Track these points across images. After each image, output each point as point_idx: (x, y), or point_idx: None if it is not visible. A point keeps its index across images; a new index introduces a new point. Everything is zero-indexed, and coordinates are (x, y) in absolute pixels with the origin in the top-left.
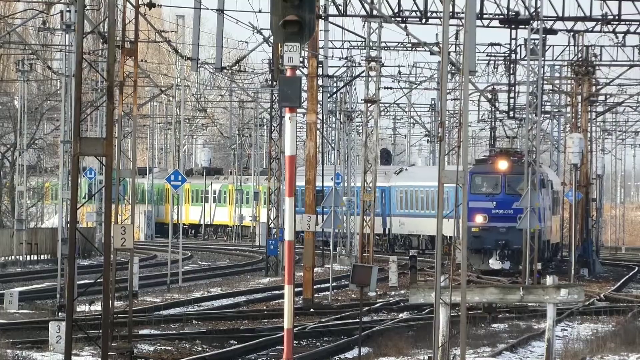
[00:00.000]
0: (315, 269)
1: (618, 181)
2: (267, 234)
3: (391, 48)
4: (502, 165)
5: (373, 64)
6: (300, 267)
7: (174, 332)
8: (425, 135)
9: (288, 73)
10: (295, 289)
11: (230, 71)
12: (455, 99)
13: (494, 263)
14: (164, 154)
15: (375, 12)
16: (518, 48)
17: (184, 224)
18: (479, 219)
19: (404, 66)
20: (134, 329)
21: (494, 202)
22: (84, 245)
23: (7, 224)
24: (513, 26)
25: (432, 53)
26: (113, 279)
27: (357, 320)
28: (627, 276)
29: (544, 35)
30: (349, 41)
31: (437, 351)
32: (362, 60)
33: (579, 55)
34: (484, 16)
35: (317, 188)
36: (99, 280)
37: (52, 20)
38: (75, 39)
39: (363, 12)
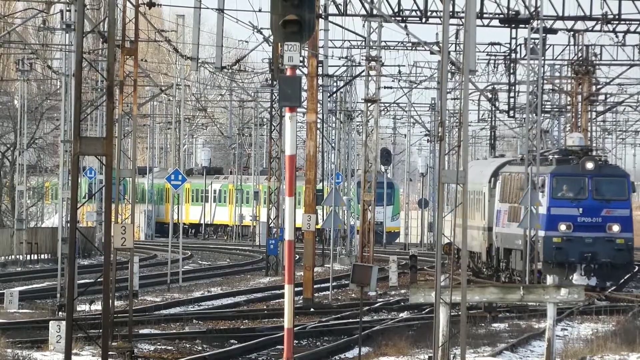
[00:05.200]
0: (316, 269)
1: None
2: (267, 234)
3: (391, 47)
4: (589, 165)
5: (373, 63)
6: (301, 267)
7: (174, 331)
8: (426, 135)
9: (288, 72)
10: (296, 289)
11: (230, 71)
12: (456, 99)
13: (579, 279)
14: (164, 154)
15: (375, 12)
16: (518, 47)
17: (184, 224)
18: (562, 227)
19: (404, 65)
20: (134, 329)
21: (580, 209)
22: (84, 245)
23: (7, 224)
24: (513, 25)
25: (432, 52)
26: (113, 278)
27: (357, 319)
28: (627, 275)
29: (544, 35)
30: (349, 40)
31: (437, 351)
32: (362, 59)
33: (579, 54)
34: (484, 15)
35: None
36: (99, 279)
37: (52, 20)
38: (75, 38)
39: (363, 12)
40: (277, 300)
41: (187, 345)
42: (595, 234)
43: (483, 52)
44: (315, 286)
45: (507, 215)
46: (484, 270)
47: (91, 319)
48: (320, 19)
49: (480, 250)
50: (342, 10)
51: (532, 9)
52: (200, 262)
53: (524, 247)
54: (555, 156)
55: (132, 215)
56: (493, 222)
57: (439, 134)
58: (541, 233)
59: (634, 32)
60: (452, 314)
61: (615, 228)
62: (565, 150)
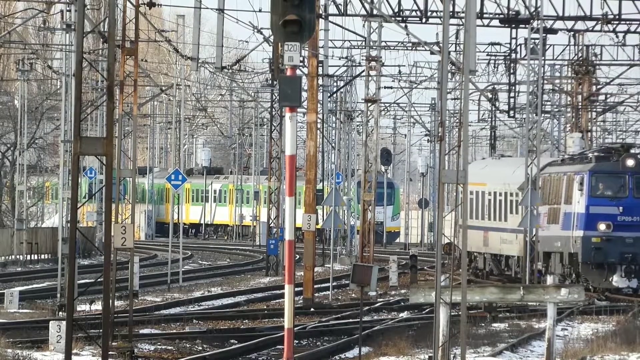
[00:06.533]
0: (316, 269)
1: None
2: (267, 234)
3: (391, 47)
4: (630, 162)
5: (373, 63)
6: (301, 267)
7: (175, 331)
8: (426, 135)
9: (288, 72)
10: (296, 289)
11: (230, 71)
12: (456, 99)
13: (619, 280)
14: (164, 154)
15: (375, 12)
16: (518, 47)
17: (184, 224)
18: (602, 227)
19: (404, 66)
20: (135, 329)
21: (621, 208)
22: (84, 245)
23: (7, 224)
24: (513, 25)
25: (432, 52)
26: (113, 278)
27: (358, 319)
28: None
29: (544, 35)
30: (349, 40)
31: (437, 351)
32: (362, 59)
33: (579, 54)
34: (484, 16)
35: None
36: (99, 279)
37: (52, 20)
38: (75, 38)
39: (363, 12)
40: (277, 300)
41: (187, 345)
42: (636, 234)
43: (483, 52)
44: (315, 286)
45: (546, 217)
46: (520, 275)
47: (91, 319)
48: (320, 19)
49: (519, 254)
50: (342, 10)
51: (532, 9)
52: (200, 262)
53: (564, 249)
54: (595, 153)
55: (132, 215)
56: None
57: (439, 134)
58: (579, 233)
59: (634, 32)
60: (452, 314)
61: None
62: (605, 147)
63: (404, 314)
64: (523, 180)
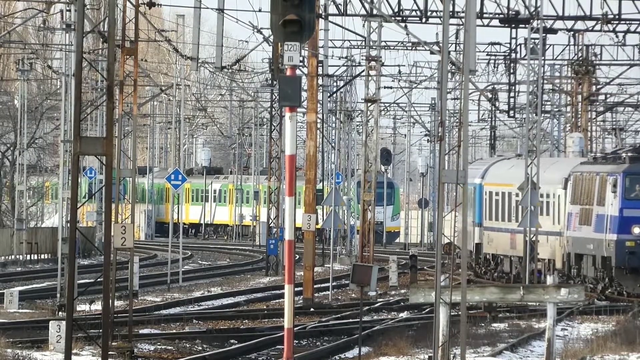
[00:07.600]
0: (316, 269)
1: None
2: (267, 234)
3: (391, 47)
4: None
5: (373, 63)
6: (301, 267)
7: (174, 331)
8: (426, 135)
9: (288, 72)
10: (296, 289)
11: (230, 70)
12: (456, 99)
13: None
14: (164, 154)
15: (375, 12)
16: (518, 47)
17: (184, 224)
18: (636, 230)
19: (404, 65)
20: (134, 329)
21: None
22: (84, 245)
23: (7, 224)
24: (513, 25)
25: (432, 52)
26: (113, 278)
27: (357, 319)
28: None
29: (544, 35)
30: (349, 40)
31: (437, 351)
32: (362, 59)
33: (579, 54)
34: (484, 15)
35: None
36: (99, 279)
37: (52, 20)
38: (75, 38)
39: (363, 12)
40: (277, 300)
41: (187, 345)
42: None
43: (483, 52)
44: (315, 286)
45: (578, 218)
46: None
47: (91, 319)
48: (320, 19)
49: (550, 257)
50: (342, 10)
51: (532, 9)
52: (200, 262)
53: (597, 252)
54: (629, 154)
55: (132, 215)
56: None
57: (439, 134)
58: (613, 236)
59: (634, 32)
60: (452, 314)
61: None
62: (639, 147)
63: (404, 314)
64: (556, 181)
